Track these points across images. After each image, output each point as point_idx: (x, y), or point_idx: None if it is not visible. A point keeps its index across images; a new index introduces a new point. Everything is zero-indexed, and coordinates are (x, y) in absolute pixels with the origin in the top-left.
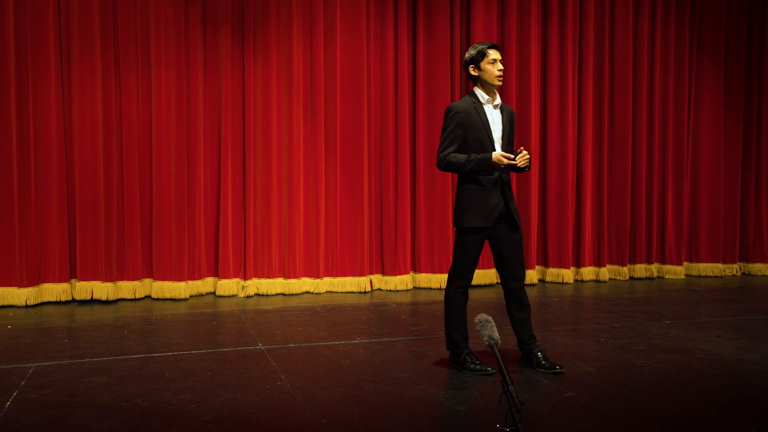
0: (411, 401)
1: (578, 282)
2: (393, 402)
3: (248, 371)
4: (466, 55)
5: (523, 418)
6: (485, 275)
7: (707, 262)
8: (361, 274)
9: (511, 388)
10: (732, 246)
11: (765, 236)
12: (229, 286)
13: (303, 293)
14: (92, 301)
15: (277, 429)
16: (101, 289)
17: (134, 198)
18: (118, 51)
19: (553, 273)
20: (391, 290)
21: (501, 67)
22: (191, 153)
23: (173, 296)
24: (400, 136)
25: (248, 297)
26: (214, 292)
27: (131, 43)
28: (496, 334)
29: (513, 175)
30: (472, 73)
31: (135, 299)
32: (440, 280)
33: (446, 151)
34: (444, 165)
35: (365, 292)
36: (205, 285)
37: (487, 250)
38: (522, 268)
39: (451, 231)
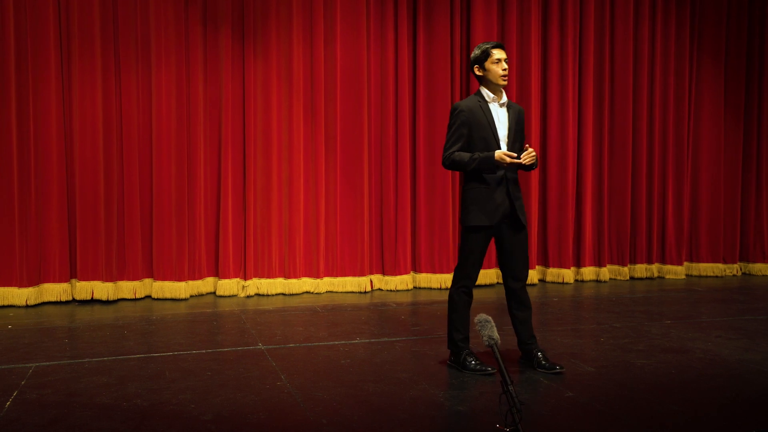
0: (411, 401)
1: (578, 282)
2: (393, 402)
3: (248, 371)
4: (472, 55)
5: (523, 418)
6: (485, 275)
7: (707, 262)
8: (362, 274)
9: (510, 388)
10: (732, 246)
11: (765, 236)
12: (229, 286)
13: (303, 293)
14: (92, 301)
15: (277, 429)
16: (101, 289)
17: (134, 198)
18: (118, 51)
19: (553, 273)
20: (391, 290)
21: (505, 66)
22: (191, 153)
23: (173, 296)
24: (401, 136)
25: (248, 297)
26: (214, 292)
27: (131, 43)
28: (495, 334)
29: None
30: (477, 73)
31: (135, 299)
32: (440, 280)
33: (451, 150)
34: (449, 163)
35: (365, 292)
36: (205, 285)
37: (492, 249)
38: (525, 268)
39: (451, 231)
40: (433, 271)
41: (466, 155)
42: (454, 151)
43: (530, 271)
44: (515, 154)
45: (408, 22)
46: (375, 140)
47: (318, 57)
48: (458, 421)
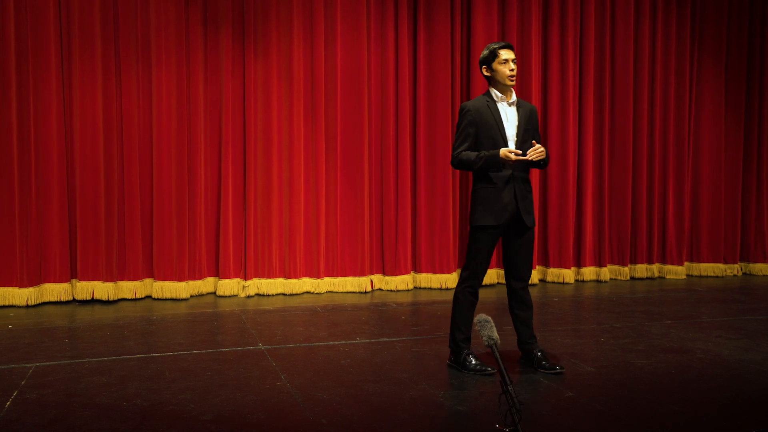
0: (411, 401)
1: (579, 282)
2: (393, 402)
3: (248, 371)
4: (480, 55)
5: (523, 418)
6: (486, 275)
7: (708, 262)
8: (362, 274)
9: (510, 388)
10: (733, 246)
11: (766, 236)
12: (229, 286)
13: (303, 293)
14: (93, 301)
15: (276, 429)
16: (102, 289)
17: (135, 198)
18: (118, 51)
19: (553, 273)
20: (391, 290)
21: (513, 67)
22: (192, 153)
23: (174, 296)
24: (401, 136)
25: (249, 297)
26: (214, 292)
27: (132, 43)
28: (495, 334)
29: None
30: (485, 73)
31: (135, 299)
32: (441, 280)
33: (458, 150)
34: (456, 163)
35: (366, 292)
36: (205, 285)
37: (497, 248)
38: (528, 269)
39: (451, 231)
40: (434, 271)
41: (472, 154)
42: (462, 151)
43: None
44: (520, 152)
45: (408, 22)
46: (375, 140)
47: (318, 57)
48: (458, 421)
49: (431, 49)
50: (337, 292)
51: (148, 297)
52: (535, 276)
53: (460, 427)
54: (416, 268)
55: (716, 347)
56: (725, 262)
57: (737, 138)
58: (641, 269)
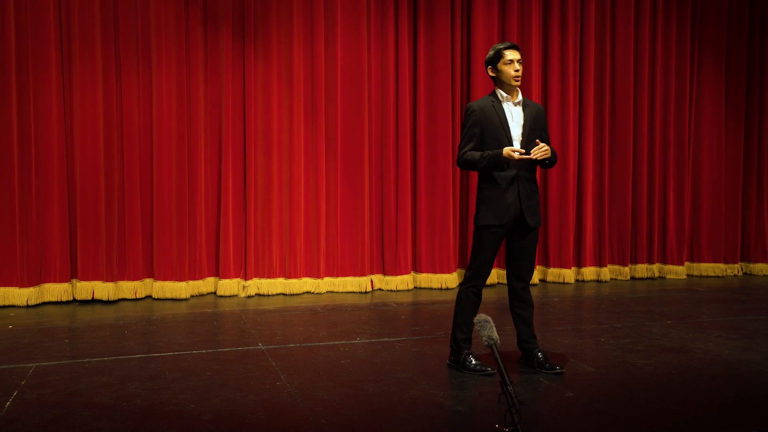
0: (411, 401)
1: (579, 282)
2: (393, 402)
3: (248, 371)
4: (486, 56)
5: (522, 418)
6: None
7: (709, 262)
8: (362, 274)
9: (510, 388)
10: (733, 246)
11: (766, 236)
12: (229, 286)
13: (304, 293)
14: (93, 301)
15: (276, 429)
16: (102, 289)
17: (135, 198)
18: (119, 51)
19: (554, 273)
20: (391, 290)
21: (518, 67)
22: (192, 153)
23: (174, 296)
24: (401, 136)
25: (249, 297)
26: (215, 292)
27: (132, 43)
28: (495, 335)
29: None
30: (490, 73)
31: (136, 299)
32: (441, 280)
33: (464, 150)
34: (462, 163)
35: (366, 292)
36: (205, 285)
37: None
38: (530, 270)
39: (451, 231)
40: (434, 271)
41: (477, 154)
42: (467, 151)
43: None
44: (523, 150)
45: (408, 22)
46: (375, 140)
47: (318, 57)
48: (458, 421)
49: (431, 49)
50: (337, 292)
51: (149, 297)
52: (535, 276)
53: (460, 427)
54: (416, 268)
55: (716, 347)
56: (726, 262)
57: (737, 138)
58: (641, 269)
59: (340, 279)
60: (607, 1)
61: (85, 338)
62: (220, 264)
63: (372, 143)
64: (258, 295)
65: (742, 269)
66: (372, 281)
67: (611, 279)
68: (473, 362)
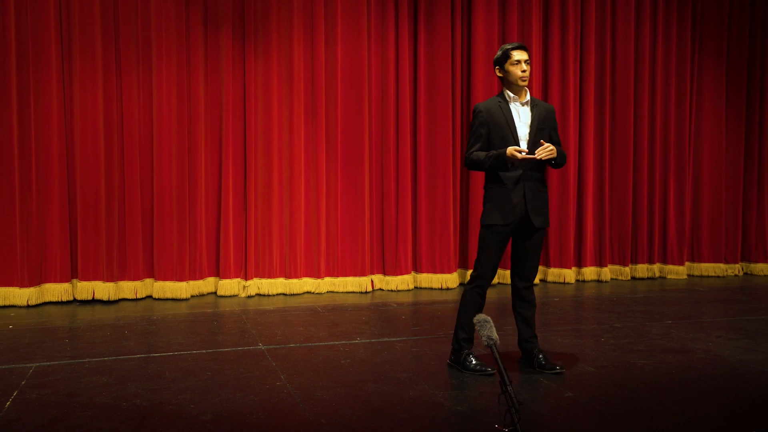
0: (411, 401)
1: (580, 282)
2: (393, 402)
3: (248, 371)
4: (495, 56)
5: (522, 418)
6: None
7: (709, 262)
8: (362, 274)
9: (509, 388)
10: (734, 246)
11: (767, 236)
12: (230, 286)
13: (304, 293)
14: (93, 301)
15: (276, 429)
16: (102, 289)
17: (135, 198)
18: (119, 51)
19: (554, 273)
20: (392, 290)
21: (525, 68)
22: (192, 153)
23: (174, 296)
24: (401, 136)
25: (249, 297)
26: (215, 292)
27: (132, 43)
28: (495, 335)
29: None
30: (498, 74)
31: (136, 299)
32: (441, 280)
33: (470, 150)
34: (468, 163)
35: (366, 292)
36: (206, 285)
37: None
38: (533, 270)
39: (452, 231)
40: (434, 271)
41: (482, 154)
42: (473, 151)
43: None
44: (526, 150)
45: (409, 22)
46: (376, 140)
47: (319, 57)
48: (458, 421)
49: (432, 49)
50: (337, 292)
51: (149, 297)
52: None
53: (460, 427)
54: (417, 268)
55: (717, 347)
56: (726, 262)
57: (738, 138)
58: (642, 269)
59: (341, 279)
60: (607, 1)
61: (86, 338)
62: (220, 264)
63: (372, 143)
64: (258, 295)
65: (742, 269)
66: (372, 281)
67: (612, 279)
68: (473, 362)
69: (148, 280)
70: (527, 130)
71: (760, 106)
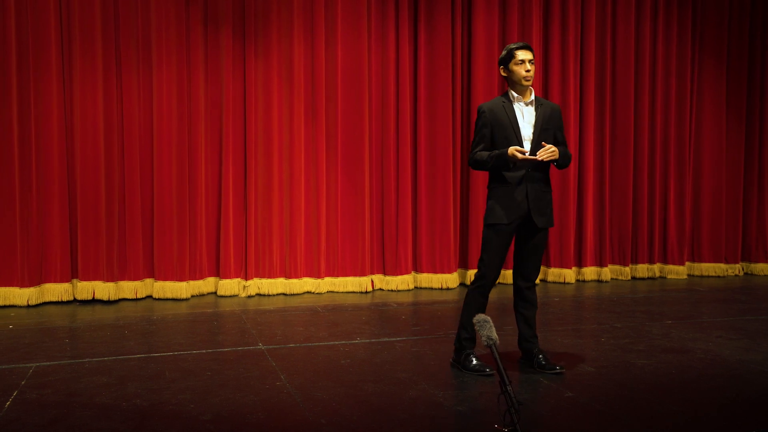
0: (411, 401)
1: (580, 282)
2: (393, 402)
3: (248, 371)
4: (500, 56)
5: (521, 418)
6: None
7: (709, 262)
8: (363, 274)
9: (509, 388)
10: (734, 246)
11: (767, 236)
12: (230, 286)
13: (304, 293)
14: (94, 301)
15: (276, 429)
16: (103, 289)
17: (135, 198)
18: (119, 51)
19: (554, 273)
20: (392, 290)
21: (529, 67)
22: (192, 153)
23: (175, 296)
24: (401, 136)
25: (249, 297)
26: (215, 292)
27: (132, 43)
28: (494, 335)
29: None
30: (503, 73)
31: (136, 299)
32: (441, 280)
33: (474, 150)
34: (472, 164)
35: (366, 292)
36: (206, 285)
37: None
38: (535, 270)
39: (452, 231)
40: (434, 271)
41: (485, 154)
42: (477, 152)
43: None
44: (527, 151)
45: (409, 22)
46: (376, 140)
47: (319, 57)
48: (458, 421)
49: (432, 49)
50: (337, 292)
51: (149, 297)
52: None
53: (459, 427)
54: (417, 268)
55: (717, 347)
56: (726, 262)
57: (738, 138)
58: (642, 269)
59: (341, 279)
60: (607, 1)
61: (86, 338)
62: (220, 264)
63: (372, 143)
64: (258, 295)
65: (743, 269)
66: (372, 281)
67: (612, 279)
68: (473, 362)
69: (148, 280)
70: (531, 130)
71: (761, 106)
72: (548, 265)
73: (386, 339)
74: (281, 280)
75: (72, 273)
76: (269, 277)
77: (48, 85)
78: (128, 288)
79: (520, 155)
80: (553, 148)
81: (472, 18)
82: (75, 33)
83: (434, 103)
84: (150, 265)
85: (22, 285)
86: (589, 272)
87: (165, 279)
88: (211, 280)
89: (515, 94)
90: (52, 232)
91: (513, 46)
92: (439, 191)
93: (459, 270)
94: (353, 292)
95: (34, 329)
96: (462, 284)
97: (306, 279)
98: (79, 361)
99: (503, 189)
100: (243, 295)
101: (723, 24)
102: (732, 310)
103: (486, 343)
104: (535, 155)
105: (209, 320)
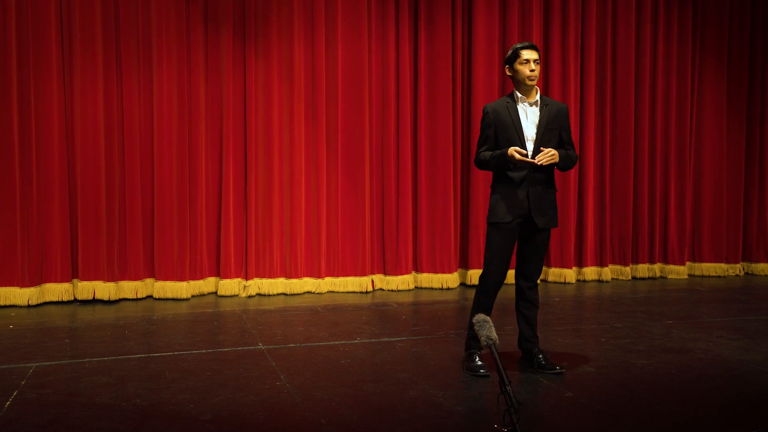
0: (411, 401)
1: (580, 282)
2: (393, 402)
3: (248, 371)
4: (506, 55)
5: (521, 418)
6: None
7: (710, 262)
8: (363, 273)
9: (508, 388)
10: (735, 246)
11: None
12: (230, 285)
13: (304, 293)
14: (94, 301)
15: (275, 429)
16: (103, 289)
17: (136, 197)
18: (119, 50)
19: (555, 273)
20: (392, 290)
21: (533, 67)
22: (193, 152)
23: (175, 296)
24: (402, 136)
25: (250, 297)
26: (215, 292)
27: (133, 42)
28: (494, 335)
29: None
30: (508, 73)
31: (137, 299)
32: (442, 280)
33: (479, 151)
34: (477, 163)
35: (367, 292)
36: (206, 285)
37: None
38: (537, 270)
39: (452, 231)
40: (435, 271)
41: (488, 154)
42: (481, 152)
43: None
44: (525, 152)
45: (409, 22)
46: (376, 140)
47: (319, 56)
48: (458, 421)
49: (432, 49)
50: (338, 292)
51: (150, 297)
52: None
53: (459, 427)
54: (417, 268)
55: (717, 347)
56: (727, 262)
57: (739, 138)
58: (643, 269)
59: (341, 279)
60: (608, 1)
61: (86, 338)
62: (220, 264)
63: (373, 143)
64: (259, 295)
65: (743, 269)
66: (373, 281)
67: (612, 279)
68: (473, 363)
69: (149, 280)
70: (534, 131)
71: (761, 106)
72: (549, 265)
73: (386, 339)
74: (281, 280)
75: (72, 273)
76: (269, 277)
77: (48, 84)
78: (129, 288)
79: (518, 156)
80: (553, 152)
81: (473, 18)
82: (75, 32)
83: (434, 103)
84: (150, 264)
85: (22, 285)
86: (590, 272)
87: (165, 279)
88: (212, 279)
89: (519, 95)
90: (52, 231)
91: (518, 45)
92: (440, 191)
93: (459, 270)
94: (353, 292)
95: (34, 329)
96: (462, 284)
97: (306, 279)
98: (79, 361)
99: (506, 188)
100: (243, 295)
101: (723, 24)
102: (732, 310)
103: (485, 343)
104: (535, 159)
105: (209, 320)
